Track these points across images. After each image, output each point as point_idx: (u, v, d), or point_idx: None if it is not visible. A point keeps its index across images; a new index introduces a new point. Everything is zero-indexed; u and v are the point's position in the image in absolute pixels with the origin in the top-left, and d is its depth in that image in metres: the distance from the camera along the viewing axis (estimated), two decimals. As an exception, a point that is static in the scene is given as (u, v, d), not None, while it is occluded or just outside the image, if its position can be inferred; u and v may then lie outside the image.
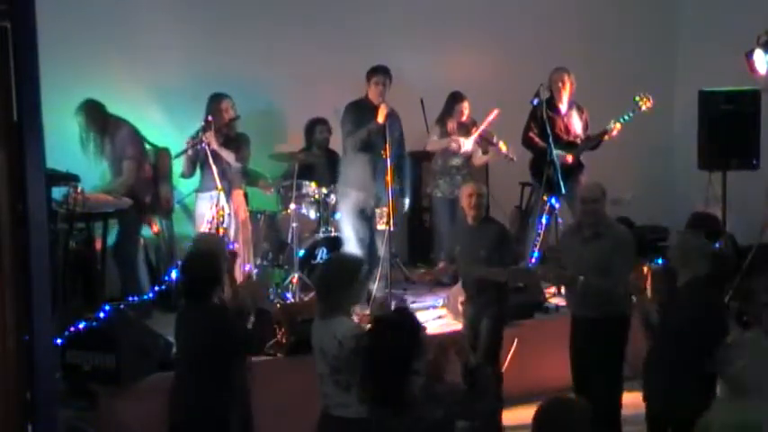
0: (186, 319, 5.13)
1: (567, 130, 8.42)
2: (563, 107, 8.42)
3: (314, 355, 4.73)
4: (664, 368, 5.24)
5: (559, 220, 8.21)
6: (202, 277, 5.02)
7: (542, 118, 8.13)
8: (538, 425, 3.70)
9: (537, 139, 8.28)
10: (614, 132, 8.30)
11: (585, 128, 8.50)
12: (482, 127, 8.34)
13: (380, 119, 7.69)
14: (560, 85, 8.37)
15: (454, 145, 8.31)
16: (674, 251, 5.50)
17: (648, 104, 8.32)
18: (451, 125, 8.38)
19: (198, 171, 7.75)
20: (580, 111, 8.51)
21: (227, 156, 7.61)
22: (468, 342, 6.24)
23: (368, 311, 7.15)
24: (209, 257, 5.17)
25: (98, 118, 7.51)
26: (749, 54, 8.17)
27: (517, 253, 7.31)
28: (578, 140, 8.42)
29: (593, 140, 8.42)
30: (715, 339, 4.73)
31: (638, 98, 8.32)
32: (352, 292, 4.69)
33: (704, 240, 5.55)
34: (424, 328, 4.32)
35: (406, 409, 4.00)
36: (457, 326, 7.05)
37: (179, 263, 5.52)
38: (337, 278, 4.67)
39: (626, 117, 8.28)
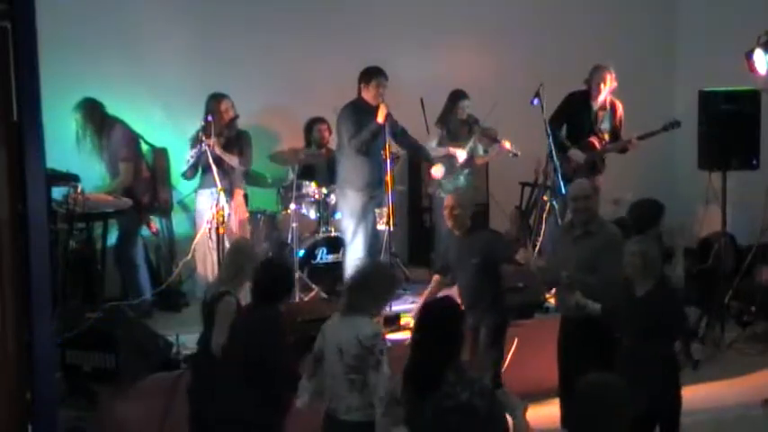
0: (254, 320, 5.11)
1: (593, 129, 8.40)
2: (595, 105, 8.41)
3: (326, 354, 4.76)
4: (641, 369, 5.25)
5: (559, 221, 8.21)
6: (277, 282, 5.15)
7: (545, 117, 8.12)
8: (580, 401, 3.77)
9: (560, 135, 8.29)
10: (637, 144, 8.32)
11: (619, 125, 8.47)
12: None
13: (380, 119, 7.67)
14: (600, 83, 8.33)
15: (452, 151, 8.28)
16: (634, 261, 5.42)
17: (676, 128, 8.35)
18: (452, 123, 8.35)
19: (199, 170, 7.77)
20: (614, 109, 8.48)
21: (231, 159, 7.62)
22: (470, 350, 6.27)
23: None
24: (285, 264, 5.26)
25: (95, 117, 7.51)
26: (749, 54, 8.16)
27: (514, 250, 7.29)
28: (602, 143, 8.40)
29: (612, 149, 8.42)
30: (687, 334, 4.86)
31: (671, 123, 8.31)
32: (382, 302, 4.91)
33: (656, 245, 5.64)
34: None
35: (437, 388, 4.11)
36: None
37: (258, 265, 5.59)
38: (377, 283, 4.82)
39: (649, 134, 8.30)
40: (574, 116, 8.36)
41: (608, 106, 8.44)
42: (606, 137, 8.44)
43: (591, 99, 8.39)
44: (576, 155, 8.31)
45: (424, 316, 4.49)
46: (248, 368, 4.97)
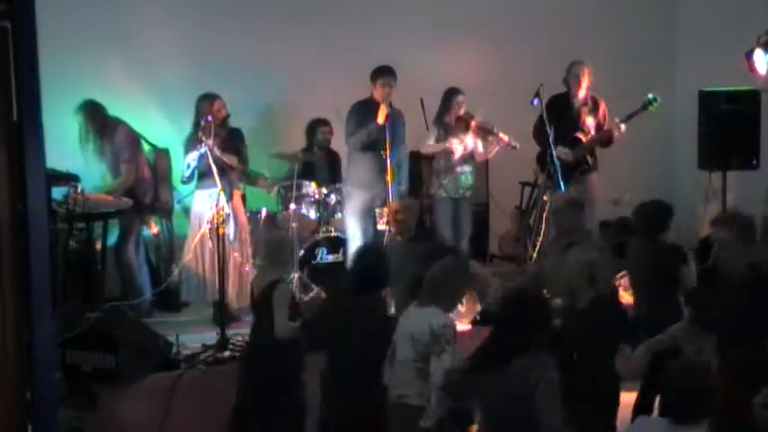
0: (358, 308, 5.22)
1: (579, 127, 8.40)
2: (577, 102, 8.41)
3: (398, 341, 4.91)
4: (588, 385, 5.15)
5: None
6: (377, 269, 5.32)
7: (558, 116, 8.12)
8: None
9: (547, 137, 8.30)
10: (621, 130, 8.29)
11: (603, 120, 8.45)
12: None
13: (380, 119, 7.69)
14: (577, 78, 8.33)
15: (449, 146, 8.27)
16: (582, 271, 5.18)
17: (656, 105, 8.30)
18: (449, 121, 8.34)
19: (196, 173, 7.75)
20: (596, 104, 8.48)
21: (230, 160, 7.57)
22: None
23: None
24: (383, 252, 5.61)
25: (97, 119, 7.51)
26: (749, 54, 8.17)
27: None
28: (588, 137, 8.39)
29: (597, 140, 8.41)
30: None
31: (647, 100, 8.28)
32: (457, 297, 5.08)
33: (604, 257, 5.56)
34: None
35: (508, 367, 4.23)
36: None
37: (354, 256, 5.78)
38: (454, 279, 5.01)
39: (631, 116, 8.28)
40: (557, 118, 8.31)
41: (589, 102, 8.44)
42: (592, 132, 8.43)
43: (571, 97, 8.38)
44: (563, 152, 8.28)
45: (511, 302, 4.56)
46: (350, 358, 5.09)
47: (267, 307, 5.45)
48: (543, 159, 8.39)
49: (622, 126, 8.25)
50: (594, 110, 8.44)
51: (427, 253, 6.28)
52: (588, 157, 8.40)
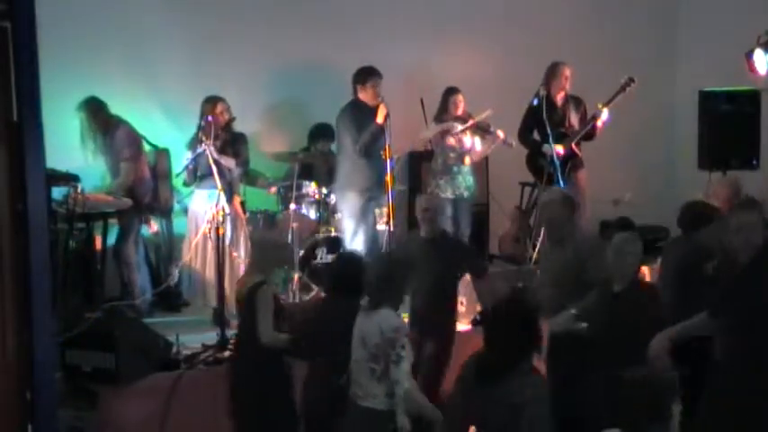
0: (343, 313, 5.21)
1: (564, 123, 8.42)
2: (559, 100, 8.43)
3: (352, 342, 4.93)
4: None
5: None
6: (358, 276, 5.25)
7: (542, 117, 8.13)
8: None
9: (532, 137, 8.38)
10: (604, 116, 8.30)
11: (584, 118, 8.50)
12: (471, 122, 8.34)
13: (380, 119, 7.69)
14: (557, 78, 8.37)
15: (448, 133, 8.28)
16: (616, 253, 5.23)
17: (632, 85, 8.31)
18: (447, 119, 8.36)
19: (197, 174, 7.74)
20: (577, 102, 8.51)
21: (228, 162, 7.55)
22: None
23: None
24: (359, 257, 5.63)
25: (99, 117, 7.50)
26: (749, 54, 8.18)
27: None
28: (571, 132, 8.42)
29: (584, 129, 8.42)
30: None
31: (625, 81, 8.31)
32: (402, 292, 5.03)
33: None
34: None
35: (506, 382, 4.18)
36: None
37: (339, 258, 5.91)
38: (396, 275, 4.96)
39: (611, 99, 8.28)
40: (542, 120, 8.31)
41: (570, 100, 8.47)
42: (578, 128, 8.46)
43: (554, 98, 8.40)
44: (549, 148, 8.28)
45: (503, 310, 4.51)
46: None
47: (250, 308, 5.44)
48: (532, 162, 8.42)
49: (605, 111, 8.27)
50: (577, 107, 8.47)
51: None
52: (578, 151, 8.42)
